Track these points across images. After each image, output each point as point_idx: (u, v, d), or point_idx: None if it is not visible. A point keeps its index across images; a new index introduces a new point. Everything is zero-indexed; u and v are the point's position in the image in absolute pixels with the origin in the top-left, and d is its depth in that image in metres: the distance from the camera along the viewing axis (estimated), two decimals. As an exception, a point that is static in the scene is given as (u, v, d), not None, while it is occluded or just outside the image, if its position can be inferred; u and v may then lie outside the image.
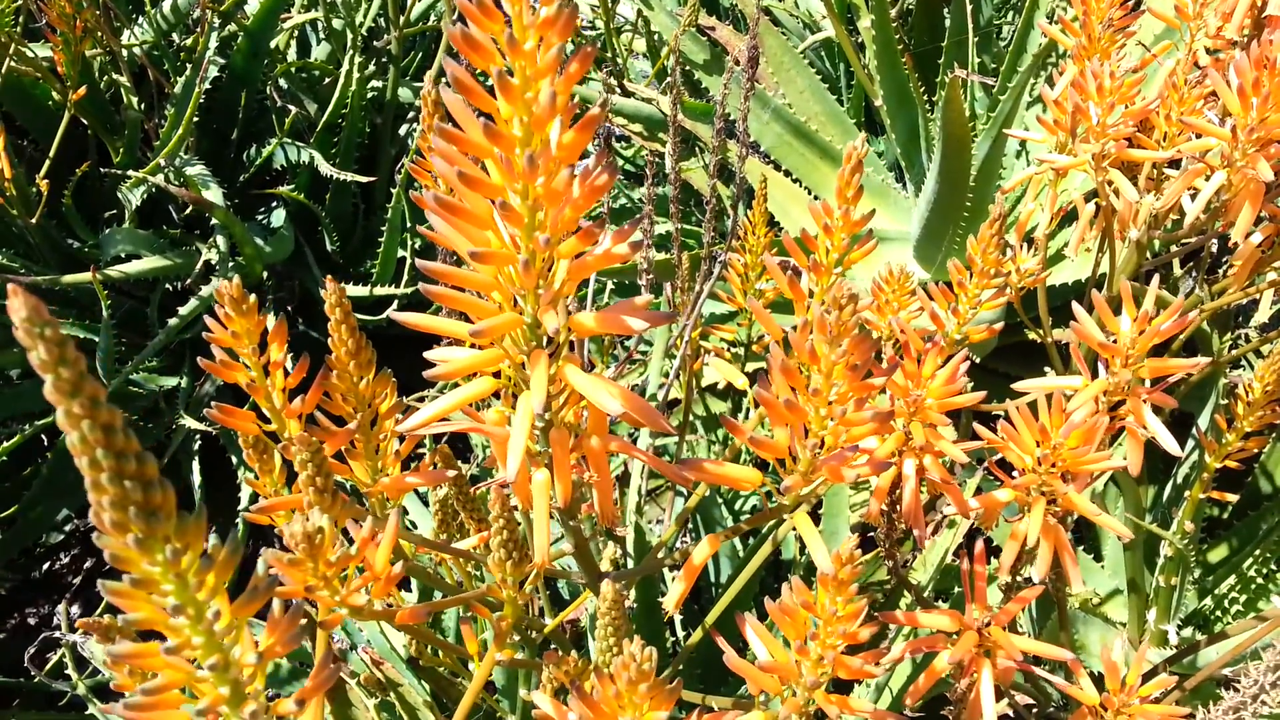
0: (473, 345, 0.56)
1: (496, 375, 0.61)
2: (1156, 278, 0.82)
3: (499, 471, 0.60)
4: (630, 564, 1.25)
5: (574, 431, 0.64)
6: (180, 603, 0.40)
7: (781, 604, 0.61)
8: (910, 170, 1.82)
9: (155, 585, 0.39)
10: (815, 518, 1.38)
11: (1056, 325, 1.45)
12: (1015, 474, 0.83)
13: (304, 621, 0.44)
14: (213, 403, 0.64)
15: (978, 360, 1.74)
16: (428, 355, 0.59)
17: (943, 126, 1.27)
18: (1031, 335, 1.62)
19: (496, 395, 0.63)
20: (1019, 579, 0.93)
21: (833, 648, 0.61)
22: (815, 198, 1.90)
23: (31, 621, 2.12)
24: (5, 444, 1.80)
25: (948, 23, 1.67)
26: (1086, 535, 1.70)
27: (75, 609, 2.14)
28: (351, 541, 0.70)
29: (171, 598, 0.41)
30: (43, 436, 1.96)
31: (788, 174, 1.89)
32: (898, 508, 0.84)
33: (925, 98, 1.66)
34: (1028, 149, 1.70)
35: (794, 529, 0.66)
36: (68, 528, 2.19)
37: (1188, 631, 1.57)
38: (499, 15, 0.43)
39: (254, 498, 1.79)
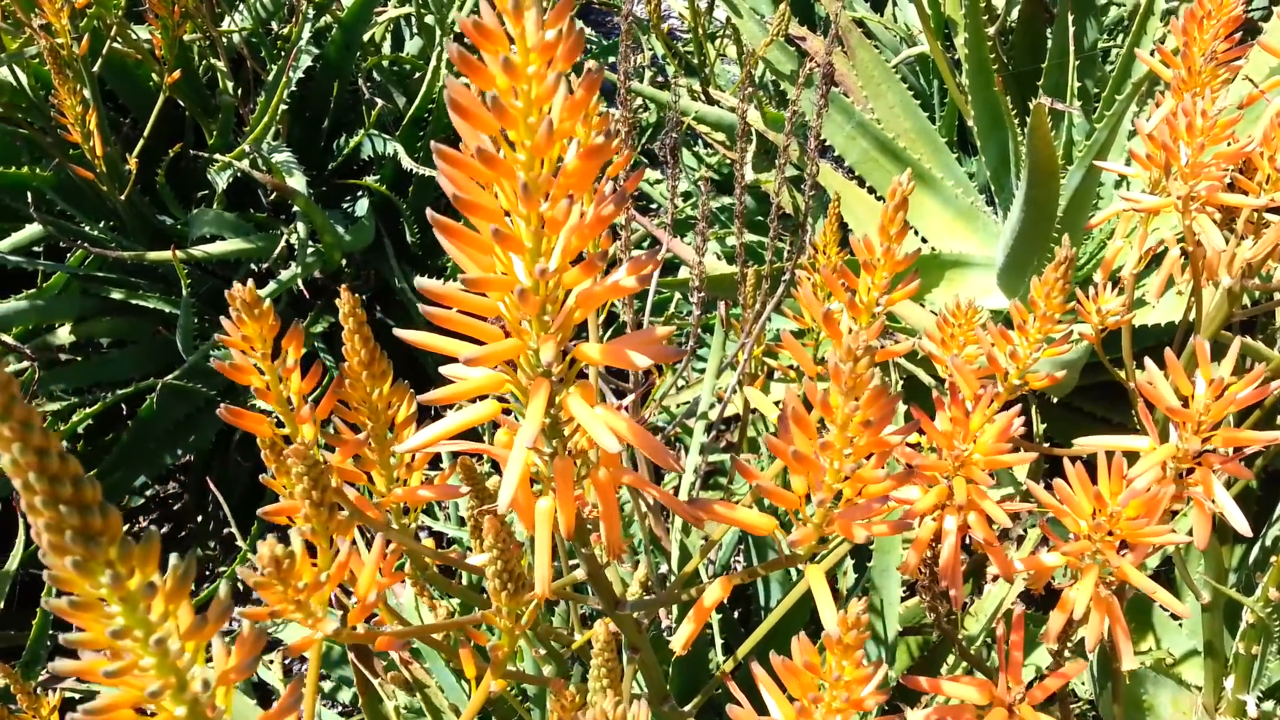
0: (474, 367, 0.54)
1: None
2: (1238, 340, 0.75)
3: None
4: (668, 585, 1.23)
5: (585, 461, 0.62)
6: (126, 626, 0.39)
7: (785, 662, 0.58)
8: (1000, 194, 1.74)
9: (98, 608, 0.38)
10: (866, 554, 1.33)
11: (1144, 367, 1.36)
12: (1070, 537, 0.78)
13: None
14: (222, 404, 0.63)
15: (1056, 400, 1.66)
16: (443, 371, 0.57)
17: (1029, 155, 1.21)
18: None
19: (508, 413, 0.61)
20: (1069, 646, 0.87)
21: (839, 713, 0.58)
22: (900, 217, 1.84)
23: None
24: (88, 410, 1.87)
25: (1050, 44, 1.59)
26: (1165, 587, 1.61)
27: (149, 572, 2.21)
28: (371, 545, 0.69)
29: (120, 619, 0.40)
30: (123, 405, 2.03)
31: (872, 191, 1.83)
32: (938, 562, 0.80)
33: (1018, 120, 1.59)
34: (1129, 181, 1.61)
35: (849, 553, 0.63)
36: (148, 493, 2.27)
37: (1269, 705, 1.47)
38: (498, 36, 0.41)
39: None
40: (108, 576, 0.37)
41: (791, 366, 1.39)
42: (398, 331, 0.56)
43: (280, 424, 0.67)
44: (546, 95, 0.42)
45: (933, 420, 0.76)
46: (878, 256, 0.64)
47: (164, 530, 2.29)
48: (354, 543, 0.72)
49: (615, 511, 0.63)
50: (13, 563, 1.41)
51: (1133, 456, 0.81)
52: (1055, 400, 1.67)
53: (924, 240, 1.82)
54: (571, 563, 0.86)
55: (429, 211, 0.47)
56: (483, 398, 0.58)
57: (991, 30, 1.57)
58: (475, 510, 0.78)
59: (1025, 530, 1.54)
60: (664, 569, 1.44)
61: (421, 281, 0.50)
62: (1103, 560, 0.75)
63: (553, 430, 0.60)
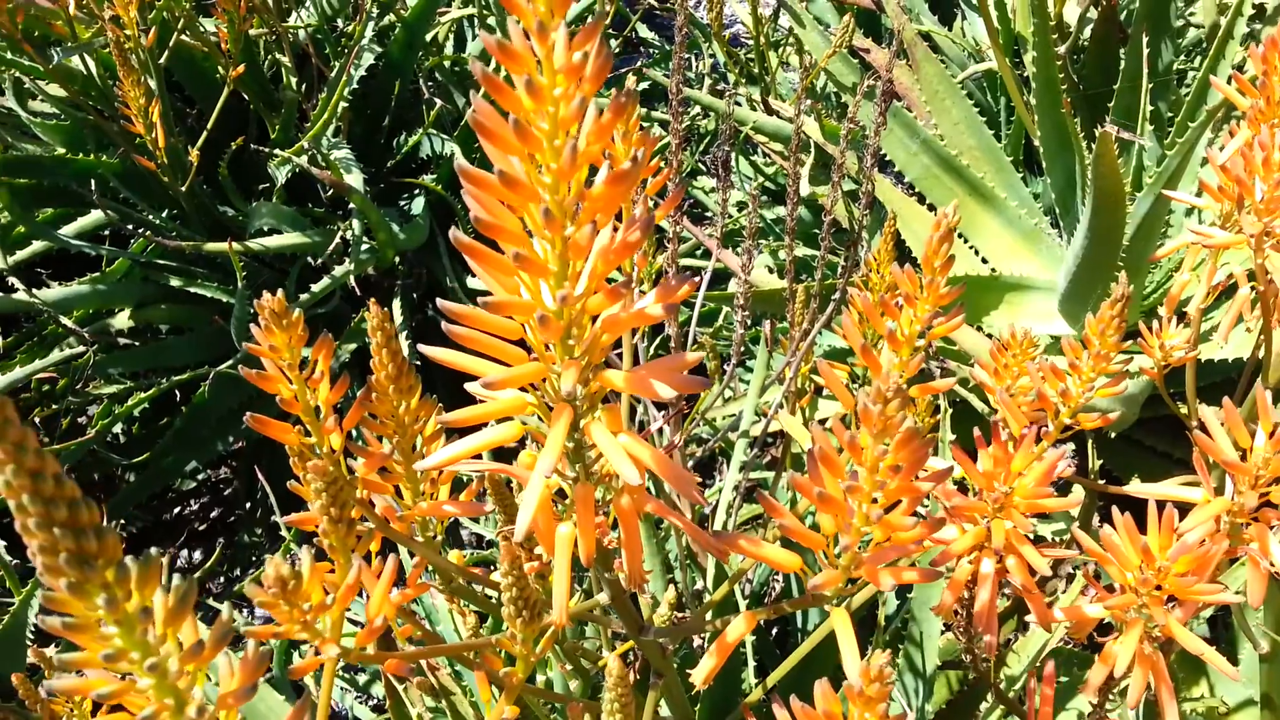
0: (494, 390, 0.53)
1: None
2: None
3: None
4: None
5: (610, 485, 0.61)
6: (122, 649, 0.38)
7: (805, 709, 0.56)
8: (1065, 217, 1.69)
9: (94, 629, 0.38)
10: (903, 595, 1.30)
11: (1213, 402, 1.31)
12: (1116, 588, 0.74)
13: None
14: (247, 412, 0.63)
15: (1114, 435, 1.60)
16: (468, 388, 0.56)
17: (1094, 181, 1.16)
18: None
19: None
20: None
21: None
22: (960, 236, 1.80)
23: (164, 559, 2.24)
24: (144, 394, 1.91)
25: (1123, 64, 1.54)
26: (1222, 633, 1.54)
27: (198, 554, 2.25)
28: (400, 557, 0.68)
29: (117, 640, 0.39)
30: (177, 392, 2.06)
31: (932, 208, 1.79)
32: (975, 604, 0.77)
33: (1086, 143, 1.54)
34: (1200, 212, 1.55)
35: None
36: (200, 477, 2.31)
37: (1327, 762, 1.40)
38: (522, 58, 0.40)
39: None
40: (102, 600, 0.37)
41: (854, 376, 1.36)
42: (422, 348, 0.55)
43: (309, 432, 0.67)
44: (571, 119, 0.41)
45: (986, 447, 0.73)
46: (921, 288, 0.61)
47: (213, 514, 2.32)
48: (368, 559, 0.72)
49: (637, 539, 0.61)
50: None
51: (1187, 507, 0.77)
52: (1113, 436, 1.62)
53: (984, 260, 1.77)
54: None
55: (452, 232, 0.46)
56: (507, 418, 0.57)
57: (1062, 49, 1.52)
58: (501, 527, 0.77)
59: (1075, 569, 1.49)
60: (700, 584, 1.42)
61: (444, 303, 0.49)
62: (1148, 615, 0.72)
63: (576, 454, 0.59)
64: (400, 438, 0.65)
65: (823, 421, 1.67)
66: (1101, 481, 1.37)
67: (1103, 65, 1.70)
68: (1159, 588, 0.70)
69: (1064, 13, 1.75)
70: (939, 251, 0.58)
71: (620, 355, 0.94)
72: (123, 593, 0.38)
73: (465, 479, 1.07)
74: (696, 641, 1.34)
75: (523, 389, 0.55)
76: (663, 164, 0.75)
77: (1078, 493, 0.81)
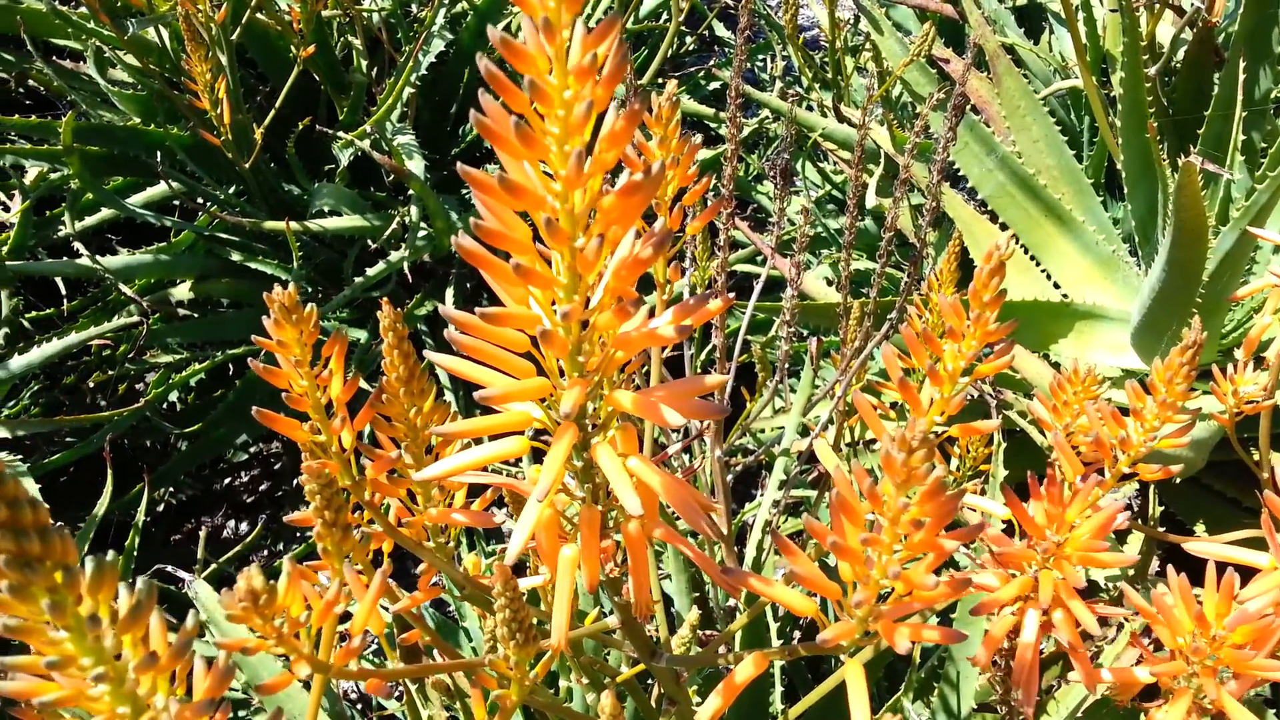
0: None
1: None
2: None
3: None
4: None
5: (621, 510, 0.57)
6: (67, 656, 0.36)
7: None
8: (1144, 245, 1.61)
9: (42, 633, 0.36)
10: (946, 620, 1.24)
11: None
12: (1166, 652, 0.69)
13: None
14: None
15: (1180, 480, 1.52)
16: (476, 396, 0.54)
17: (1175, 213, 1.10)
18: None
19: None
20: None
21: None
22: (1033, 259, 1.72)
23: (203, 532, 2.27)
24: (200, 365, 1.93)
25: (1216, 90, 1.45)
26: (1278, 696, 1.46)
27: (244, 526, 2.28)
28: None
29: (67, 645, 0.37)
30: (232, 365, 2.08)
31: (1004, 228, 1.72)
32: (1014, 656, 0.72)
33: (1171, 170, 1.46)
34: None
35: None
36: (251, 450, 2.34)
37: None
38: (529, 57, 0.37)
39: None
40: (46, 604, 0.35)
41: (893, 405, 1.31)
42: (429, 354, 0.53)
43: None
44: (580, 124, 0.37)
45: (1040, 489, 0.69)
46: (967, 323, 0.57)
47: (262, 488, 2.35)
48: (379, 561, 0.69)
49: (644, 567, 0.58)
50: (101, 507, 1.45)
51: (1252, 570, 0.71)
52: (1180, 482, 1.53)
53: (1056, 285, 1.70)
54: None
55: (454, 238, 0.43)
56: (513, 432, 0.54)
57: (1152, 70, 1.45)
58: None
59: (1125, 621, 1.42)
60: (732, 602, 1.38)
61: (446, 310, 0.46)
62: (1198, 685, 0.66)
63: (585, 474, 0.56)
64: (410, 442, 0.63)
65: (872, 441, 1.61)
66: (1163, 529, 1.29)
67: (1195, 89, 1.61)
68: (1213, 658, 0.64)
69: (1157, 32, 1.66)
70: (989, 284, 0.54)
71: (660, 368, 0.91)
72: (73, 597, 0.36)
73: (484, 485, 1.05)
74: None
75: (541, 401, 0.52)
76: (705, 171, 0.72)
77: (1134, 546, 0.75)
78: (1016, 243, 1.72)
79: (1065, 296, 1.67)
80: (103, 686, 0.39)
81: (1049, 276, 1.71)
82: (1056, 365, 1.62)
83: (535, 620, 0.71)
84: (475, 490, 0.76)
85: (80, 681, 0.38)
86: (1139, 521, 1.41)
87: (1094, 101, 1.51)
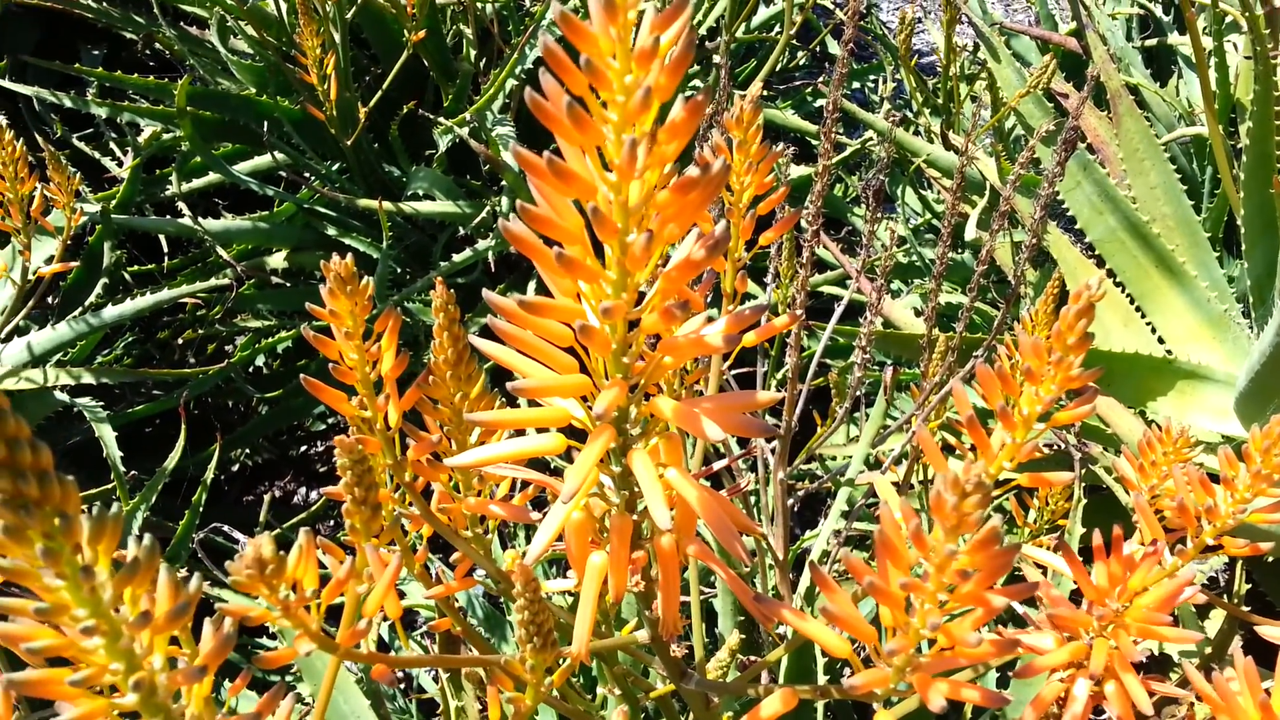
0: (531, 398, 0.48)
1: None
2: None
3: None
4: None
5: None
6: (58, 605, 0.36)
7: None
8: (1259, 307, 1.52)
9: (32, 576, 0.35)
10: (1006, 676, 1.18)
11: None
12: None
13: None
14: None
15: (1273, 559, 1.42)
16: (509, 386, 0.52)
17: (1296, 273, 1.02)
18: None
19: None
20: None
21: None
22: (1138, 310, 1.64)
23: (276, 494, 2.32)
24: (287, 333, 1.97)
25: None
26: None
27: (314, 494, 2.32)
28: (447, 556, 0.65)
29: (63, 593, 0.37)
30: (317, 336, 2.12)
31: (1111, 274, 1.64)
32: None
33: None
34: None
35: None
36: (329, 420, 2.38)
37: None
38: (589, 35, 0.35)
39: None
40: (40, 549, 0.34)
41: (972, 448, 1.25)
42: (474, 339, 0.51)
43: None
44: (636, 111, 0.35)
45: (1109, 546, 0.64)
46: (1048, 364, 0.53)
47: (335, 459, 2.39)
48: (415, 546, 0.68)
49: (675, 584, 0.56)
50: (171, 462, 1.49)
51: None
52: (1269, 561, 1.44)
53: (1160, 340, 1.62)
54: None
55: (501, 222, 0.42)
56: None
57: (1285, 122, 1.36)
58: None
59: (1195, 702, 1.33)
60: (784, 629, 1.34)
61: (489, 295, 0.44)
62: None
63: (623, 481, 0.54)
64: (454, 427, 0.62)
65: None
66: (1246, 608, 1.21)
67: (1332, 146, 1.51)
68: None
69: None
70: (1075, 326, 0.50)
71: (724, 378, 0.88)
72: (70, 545, 0.35)
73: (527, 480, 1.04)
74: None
75: (584, 400, 0.50)
76: (780, 181, 0.69)
77: (1215, 624, 0.70)
78: (1122, 291, 1.64)
79: (1169, 353, 1.58)
80: (96, 640, 0.38)
81: (1154, 330, 1.63)
82: (1152, 424, 1.54)
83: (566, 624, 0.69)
84: (523, 486, 0.74)
85: (74, 632, 0.37)
86: (1223, 598, 1.32)
87: (1218, 151, 1.42)
